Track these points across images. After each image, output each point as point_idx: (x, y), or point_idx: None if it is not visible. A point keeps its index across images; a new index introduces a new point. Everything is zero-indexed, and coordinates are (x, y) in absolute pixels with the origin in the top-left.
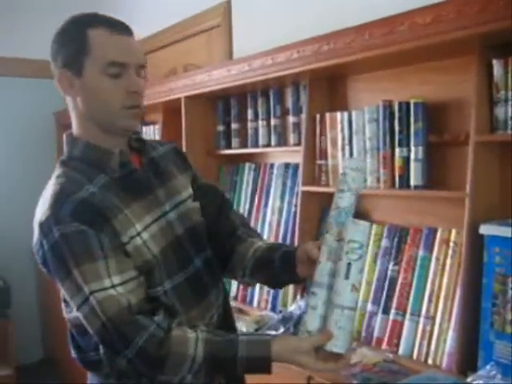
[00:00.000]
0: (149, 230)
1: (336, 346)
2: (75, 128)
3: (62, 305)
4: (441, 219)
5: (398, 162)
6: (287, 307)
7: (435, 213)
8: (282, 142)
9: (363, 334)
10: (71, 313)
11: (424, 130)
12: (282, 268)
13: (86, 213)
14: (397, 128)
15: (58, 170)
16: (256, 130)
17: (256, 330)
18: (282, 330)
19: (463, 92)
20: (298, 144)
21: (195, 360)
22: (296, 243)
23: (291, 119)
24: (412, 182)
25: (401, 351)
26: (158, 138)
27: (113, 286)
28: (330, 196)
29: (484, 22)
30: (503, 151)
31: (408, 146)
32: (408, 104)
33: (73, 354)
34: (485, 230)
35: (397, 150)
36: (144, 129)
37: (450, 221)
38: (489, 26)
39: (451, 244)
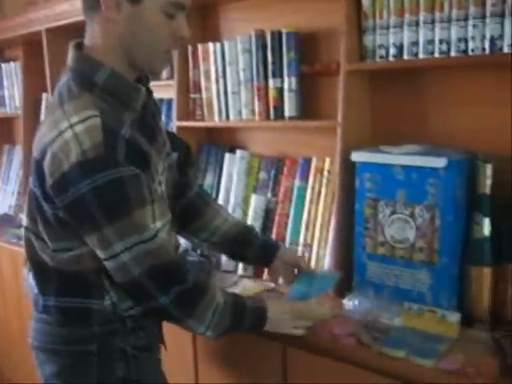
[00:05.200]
0: (163, 177)
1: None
2: (96, 48)
3: (49, 247)
4: (315, 149)
5: (272, 94)
6: None
7: (310, 143)
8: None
9: (241, 265)
10: (64, 254)
11: (296, 60)
12: (260, 256)
13: (136, 155)
14: (270, 58)
15: (82, 97)
16: None
17: None
18: None
19: (334, 21)
20: (171, 78)
21: (218, 305)
22: None
23: None
24: (286, 113)
25: (281, 280)
26: (19, 76)
27: (157, 232)
28: (207, 130)
29: None
30: (373, 80)
31: (281, 76)
32: (280, 33)
33: (45, 301)
34: (356, 157)
35: (270, 81)
36: (3, 66)
37: (324, 150)
38: None
39: (325, 173)
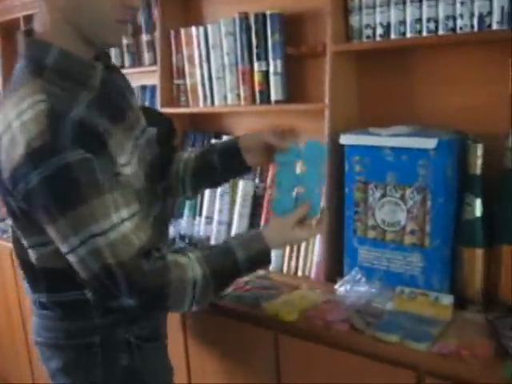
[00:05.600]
0: (133, 157)
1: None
2: (45, 30)
3: (24, 244)
4: (303, 133)
5: (257, 77)
6: None
7: (297, 127)
8: (137, 62)
9: None
10: (41, 250)
11: (281, 43)
12: (226, 168)
13: (88, 137)
14: (254, 41)
15: (31, 83)
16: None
17: None
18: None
19: (319, 2)
20: (154, 64)
21: (196, 281)
22: None
23: (144, 37)
24: (273, 97)
25: (271, 266)
26: None
27: (122, 221)
28: (191, 117)
29: None
30: (360, 61)
31: (266, 59)
32: (264, 15)
33: (39, 298)
34: (344, 139)
35: (255, 64)
36: None
37: (312, 133)
38: None
39: None
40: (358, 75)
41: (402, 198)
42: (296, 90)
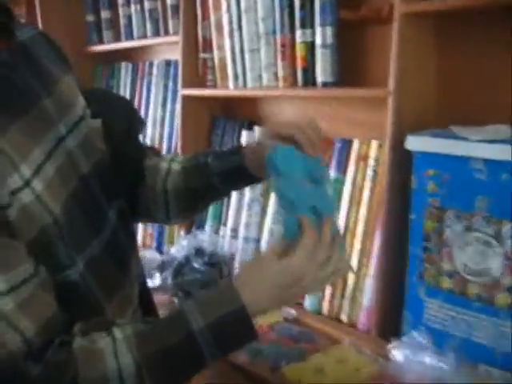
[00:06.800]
0: (42, 174)
1: None
2: None
3: None
4: (358, 127)
5: (299, 51)
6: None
7: (350, 119)
8: (163, 31)
9: None
10: None
11: (333, 3)
12: (230, 187)
13: None
14: (297, 1)
15: None
16: (130, 17)
17: None
18: (157, 277)
19: None
20: (178, 33)
21: (123, 372)
22: None
23: (169, 0)
24: (319, 78)
25: (307, 304)
26: None
27: None
28: (221, 100)
29: None
30: (442, 28)
31: (312, 26)
32: None
33: None
34: (413, 143)
35: (298, 32)
36: None
37: (370, 129)
38: None
39: (371, 161)
40: (439, 49)
41: (497, 235)
42: (351, 68)
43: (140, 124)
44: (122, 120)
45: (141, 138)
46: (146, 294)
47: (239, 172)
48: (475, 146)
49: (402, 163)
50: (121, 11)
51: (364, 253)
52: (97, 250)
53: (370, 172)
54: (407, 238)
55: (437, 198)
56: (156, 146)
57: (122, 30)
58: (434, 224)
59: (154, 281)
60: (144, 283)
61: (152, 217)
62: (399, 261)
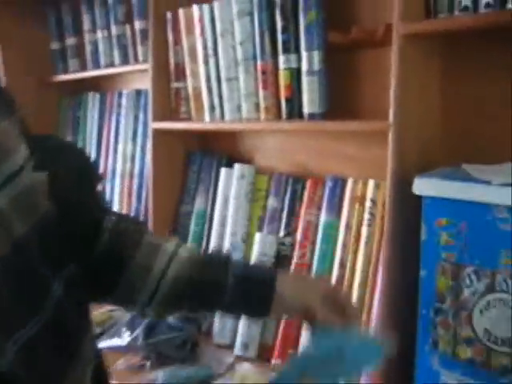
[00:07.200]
0: None
1: None
2: None
3: None
4: (349, 164)
5: (283, 78)
6: None
7: (341, 154)
8: (132, 58)
9: (240, 339)
10: None
11: (320, 25)
12: (238, 304)
13: None
14: (279, 23)
15: None
16: (96, 44)
17: (100, 333)
18: (126, 336)
19: None
20: (147, 61)
21: None
22: (151, 202)
23: (138, 25)
24: (306, 109)
25: None
26: None
27: None
28: (197, 134)
29: None
30: (448, 50)
31: (297, 51)
32: None
33: None
34: (422, 187)
35: (281, 58)
36: None
37: (364, 166)
38: None
39: (367, 203)
40: (444, 73)
41: None
42: (341, 98)
43: (96, 178)
44: (72, 172)
45: (100, 195)
46: (102, 377)
47: (261, 294)
48: (497, 191)
49: (407, 208)
50: (86, 37)
51: (361, 308)
52: (33, 333)
53: (367, 215)
54: (416, 297)
55: (452, 252)
56: (126, 183)
57: (89, 57)
58: (449, 282)
59: (123, 340)
60: (99, 365)
61: (130, 299)
62: (407, 325)
